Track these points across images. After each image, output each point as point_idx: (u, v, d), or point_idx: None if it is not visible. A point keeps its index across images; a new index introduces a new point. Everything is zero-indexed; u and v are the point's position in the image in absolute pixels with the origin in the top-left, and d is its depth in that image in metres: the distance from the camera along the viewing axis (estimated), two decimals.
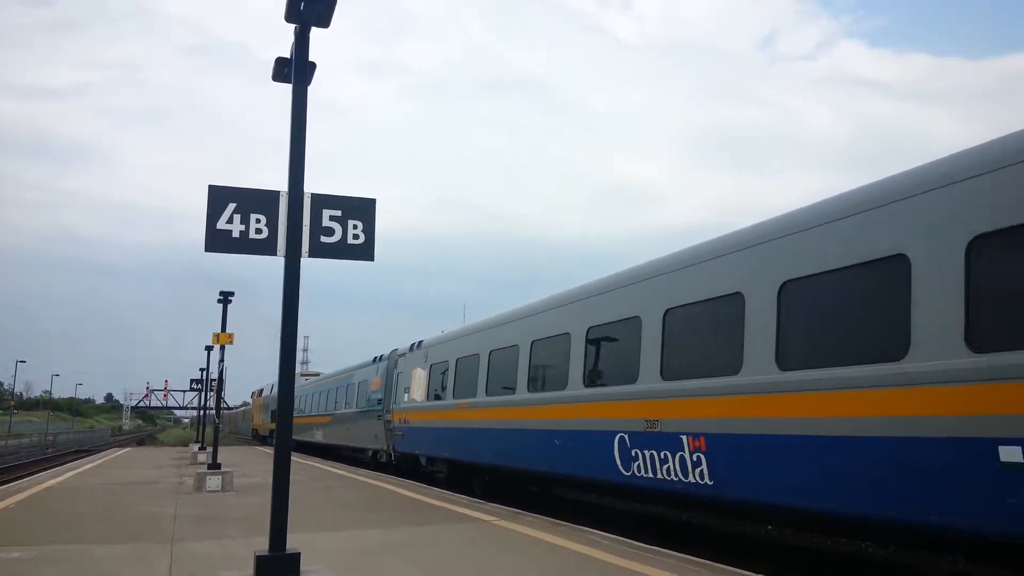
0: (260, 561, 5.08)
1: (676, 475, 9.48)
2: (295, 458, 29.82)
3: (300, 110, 5.24)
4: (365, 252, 5.55)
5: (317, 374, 38.96)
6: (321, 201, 5.48)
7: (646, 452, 10.05)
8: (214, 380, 23.60)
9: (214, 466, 17.39)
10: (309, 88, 5.45)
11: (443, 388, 18.07)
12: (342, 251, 5.48)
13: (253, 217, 5.24)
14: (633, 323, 10.81)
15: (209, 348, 25.65)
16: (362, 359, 26.28)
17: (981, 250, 6.17)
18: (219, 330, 17.65)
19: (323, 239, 5.45)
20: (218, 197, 5.25)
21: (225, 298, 17.61)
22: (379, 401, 23.68)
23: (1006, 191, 6.02)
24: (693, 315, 9.81)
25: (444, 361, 18.18)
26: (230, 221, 5.19)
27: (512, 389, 14.28)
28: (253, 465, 24.95)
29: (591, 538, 9.73)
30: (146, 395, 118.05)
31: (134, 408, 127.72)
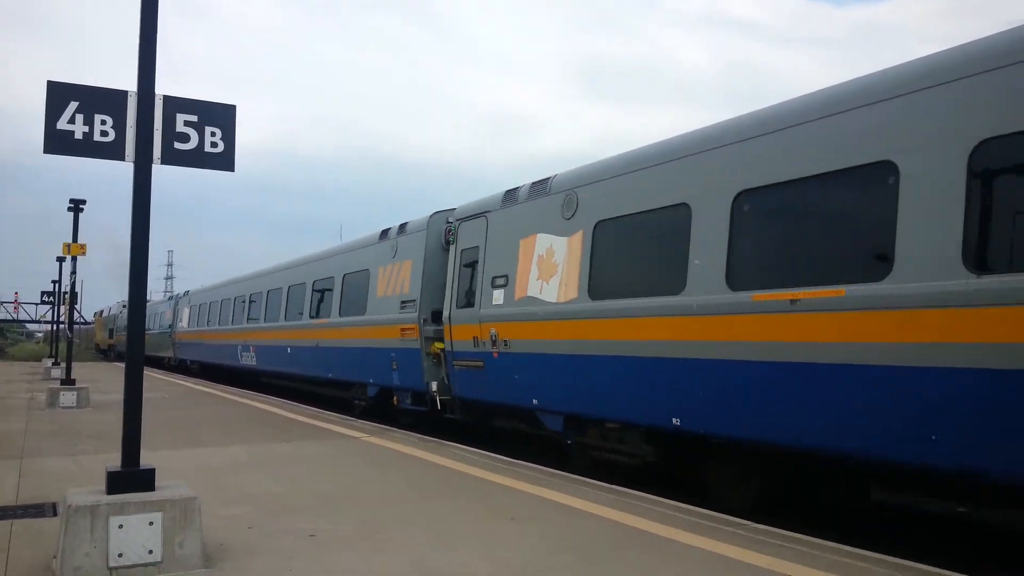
0: (112, 477, 4.92)
1: (250, 362, 22.69)
2: (159, 375, 29.07)
3: (150, 2, 4.84)
4: (224, 161, 5.25)
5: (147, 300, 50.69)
6: (175, 104, 5.10)
7: (243, 352, 23.11)
8: (67, 293, 22.27)
9: (68, 382, 16.59)
10: None
11: (196, 320, 31.00)
12: (198, 159, 5.15)
13: (98, 118, 4.83)
14: (258, 295, 22.50)
15: (61, 259, 24.06)
16: (229, 277, 29.59)
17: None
18: (70, 240, 16.54)
19: (177, 145, 5.10)
20: (58, 94, 4.78)
21: (76, 206, 16.46)
22: (170, 325, 36.27)
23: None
24: (277, 296, 20.91)
25: (198, 304, 31.23)
26: (72, 121, 4.75)
27: (216, 323, 27.24)
28: (111, 381, 23.98)
29: (458, 453, 10.00)
30: None
31: None
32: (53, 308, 35.85)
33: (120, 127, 4.93)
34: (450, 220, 12.25)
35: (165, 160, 5.12)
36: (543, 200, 10.04)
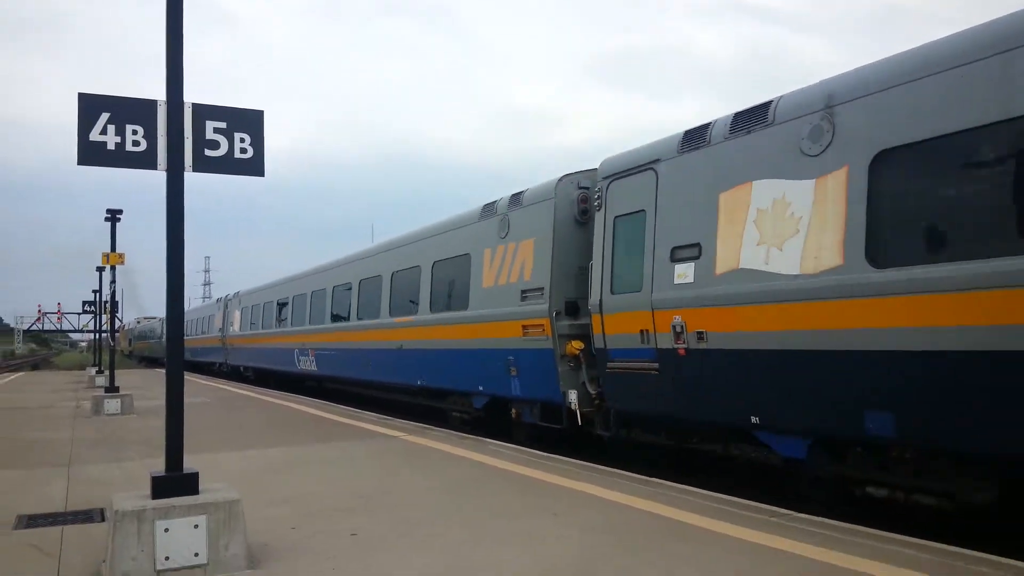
0: (156, 482, 5.00)
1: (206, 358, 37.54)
2: (199, 380, 29.60)
3: (176, 9, 4.89)
4: (254, 167, 5.29)
5: (153, 317, 73.59)
6: (204, 112, 5.15)
7: (211, 351, 36.47)
8: (107, 302, 22.69)
9: (112, 389, 16.91)
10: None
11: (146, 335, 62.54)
12: (229, 165, 5.20)
13: (129, 128, 4.89)
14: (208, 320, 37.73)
15: (101, 269, 24.53)
16: (258, 283, 30.55)
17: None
18: (108, 250, 16.84)
19: (207, 152, 5.15)
20: (89, 106, 4.86)
21: (113, 216, 16.74)
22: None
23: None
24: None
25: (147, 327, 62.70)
26: (104, 132, 4.83)
27: (195, 333, 39.14)
28: (153, 388, 24.38)
29: (493, 449, 10.01)
30: (38, 318, 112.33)
31: (26, 332, 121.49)
32: (95, 317, 36.58)
33: (151, 136, 4.99)
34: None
35: (196, 167, 5.17)
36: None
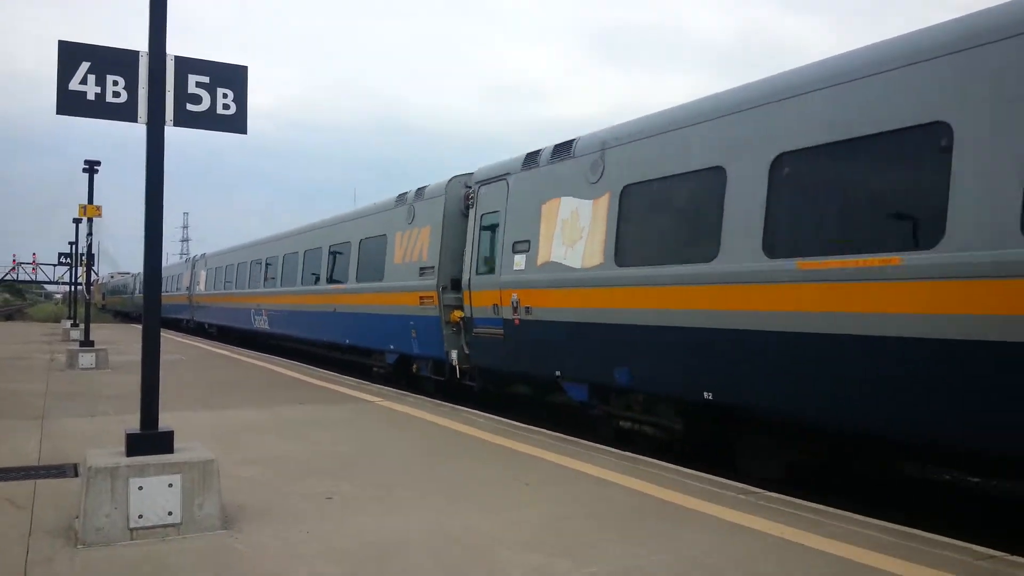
0: (131, 439, 4.95)
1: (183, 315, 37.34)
2: (173, 336, 29.38)
3: None
4: (236, 124, 5.17)
5: (127, 272, 74.62)
6: (186, 65, 5.02)
7: (189, 309, 36.25)
8: (84, 255, 22.39)
9: (87, 343, 16.76)
10: None
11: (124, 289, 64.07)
12: (211, 121, 5.08)
13: (110, 79, 4.77)
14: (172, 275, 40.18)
15: (77, 221, 24.18)
16: (234, 243, 31.48)
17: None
18: (86, 202, 16.58)
19: (189, 107, 5.03)
20: (70, 55, 4.72)
21: (91, 168, 16.46)
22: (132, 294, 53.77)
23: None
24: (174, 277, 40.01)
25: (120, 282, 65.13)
26: (84, 82, 4.70)
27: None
28: (129, 343, 24.19)
29: (469, 417, 10.05)
30: (12, 268, 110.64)
31: (1, 282, 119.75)
32: (70, 269, 36.14)
33: (132, 88, 4.88)
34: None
35: (178, 122, 5.06)
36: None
